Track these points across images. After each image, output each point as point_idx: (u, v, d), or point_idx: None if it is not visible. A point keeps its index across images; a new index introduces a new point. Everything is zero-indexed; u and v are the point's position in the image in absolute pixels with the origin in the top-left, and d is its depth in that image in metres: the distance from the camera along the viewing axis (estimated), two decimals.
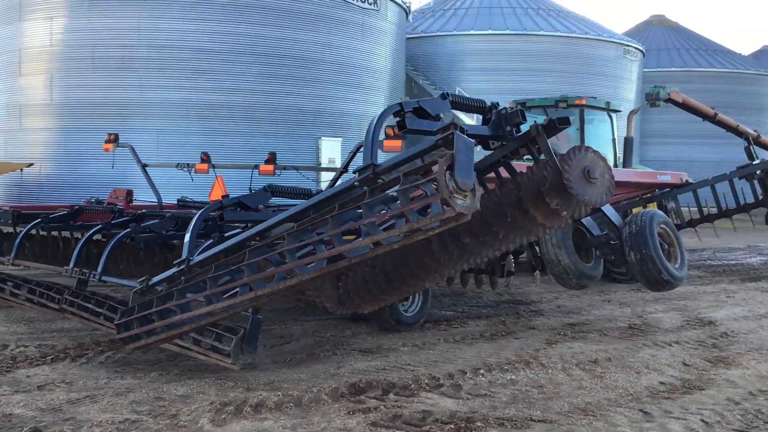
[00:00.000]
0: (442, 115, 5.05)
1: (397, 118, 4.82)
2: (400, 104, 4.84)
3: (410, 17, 31.52)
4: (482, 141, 5.52)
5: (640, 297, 9.64)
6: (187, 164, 9.57)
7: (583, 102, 11.97)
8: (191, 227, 5.71)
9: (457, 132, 4.13)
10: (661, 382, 5.58)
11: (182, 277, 5.16)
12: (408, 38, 33.36)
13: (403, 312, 7.27)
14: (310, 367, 5.77)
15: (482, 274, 8.40)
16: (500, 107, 5.42)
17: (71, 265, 6.74)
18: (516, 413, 4.73)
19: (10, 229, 8.52)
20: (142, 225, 6.94)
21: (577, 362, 6.08)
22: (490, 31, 32.79)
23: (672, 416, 4.78)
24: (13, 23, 23.83)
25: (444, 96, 5.20)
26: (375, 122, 4.78)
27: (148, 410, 4.58)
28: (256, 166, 8.79)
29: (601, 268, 7.15)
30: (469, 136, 5.57)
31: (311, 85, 23.42)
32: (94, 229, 7.04)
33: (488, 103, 5.49)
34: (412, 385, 5.27)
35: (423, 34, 33.74)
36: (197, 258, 5.30)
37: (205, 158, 9.51)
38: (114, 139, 9.59)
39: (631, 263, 6.58)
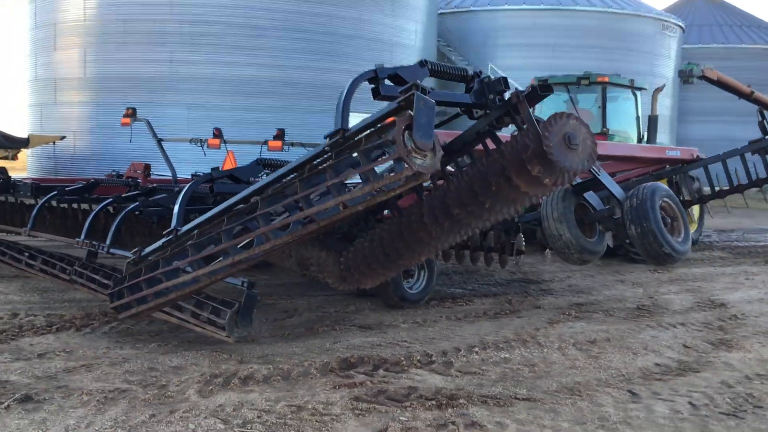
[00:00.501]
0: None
1: (372, 85, 4.86)
2: (375, 71, 4.86)
3: None
4: (467, 111, 5.53)
5: (656, 278, 9.55)
6: (200, 139, 9.69)
7: (606, 79, 11.80)
8: (180, 198, 5.84)
9: (418, 93, 4.16)
10: (657, 364, 5.55)
11: (169, 247, 5.27)
12: (441, 13, 33.08)
13: (407, 289, 7.30)
14: (307, 341, 5.84)
15: (492, 252, 8.43)
16: (483, 76, 5.45)
17: (82, 237, 6.90)
18: (502, 391, 4.75)
19: (33, 201, 8.72)
20: (150, 199, 7.06)
21: (575, 342, 6.07)
22: (524, 6, 32.31)
23: (660, 398, 4.75)
24: None
25: (422, 63, 5.20)
26: (347, 88, 4.80)
27: (139, 380, 4.70)
28: (266, 142, 8.86)
29: (605, 244, 7.06)
30: (452, 104, 5.58)
31: (342, 61, 23.37)
32: (105, 203, 7.18)
33: (471, 72, 5.49)
34: (404, 362, 5.32)
35: (456, 9, 33.41)
36: (185, 228, 5.39)
37: (217, 133, 9.60)
38: (131, 113, 9.74)
39: (632, 237, 6.54)
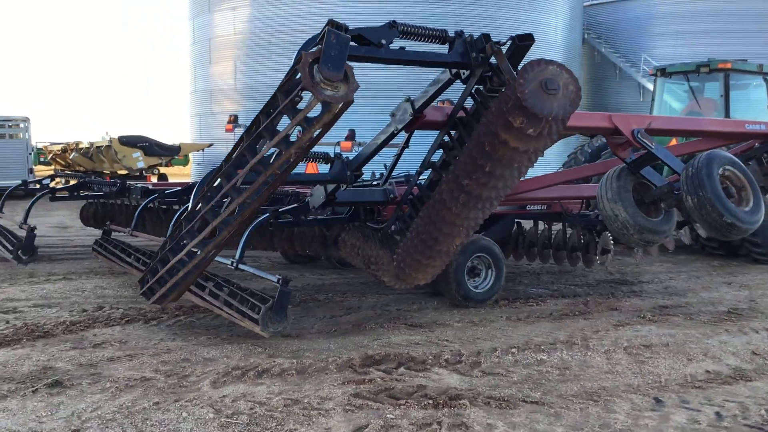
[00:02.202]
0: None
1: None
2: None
3: None
4: (457, 75, 5.52)
5: None
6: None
7: (728, 66, 10.95)
8: (195, 189, 6.22)
9: (330, 28, 4.40)
10: (707, 371, 5.15)
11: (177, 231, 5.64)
12: (591, 5, 31.97)
13: (473, 288, 7.21)
14: (348, 337, 5.94)
15: (576, 252, 8.13)
16: (465, 35, 5.35)
17: (168, 235, 7.39)
18: (514, 393, 4.62)
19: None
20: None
21: (628, 346, 5.74)
22: None
23: (686, 406, 4.43)
24: (204, 15, 25.93)
25: (392, 24, 5.15)
26: (298, 52, 4.78)
27: (168, 370, 5.00)
28: (338, 143, 9.05)
29: (673, 223, 6.55)
30: (430, 64, 5.54)
31: None
32: (185, 207, 7.63)
33: (452, 33, 5.37)
34: (430, 360, 5.29)
35: (607, 0, 32.11)
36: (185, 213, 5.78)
37: (350, 135, 9.95)
38: (234, 120, 10.30)
39: (690, 209, 6.09)
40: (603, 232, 8.06)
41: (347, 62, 4.48)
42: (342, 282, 8.46)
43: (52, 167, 27.67)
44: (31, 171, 20.59)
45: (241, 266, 6.15)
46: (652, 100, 12.10)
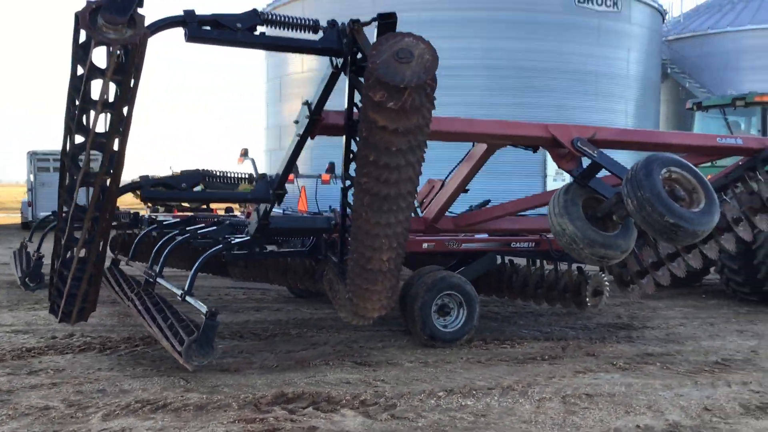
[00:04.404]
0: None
1: (185, 29, 4.85)
2: (183, 16, 4.84)
3: (668, 17, 29.20)
4: (342, 68, 5.39)
5: None
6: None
7: (766, 99, 10.28)
8: None
9: None
10: (638, 426, 4.72)
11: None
12: (675, 39, 30.95)
13: (441, 327, 6.94)
14: (283, 373, 5.80)
15: (567, 293, 7.70)
16: (339, 25, 5.28)
17: (149, 264, 7.50)
18: None
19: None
20: (199, 231, 7.49)
21: (570, 395, 5.35)
22: None
23: None
24: (278, 54, 26.63)
25: (256, 12, 5.05)
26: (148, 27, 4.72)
27: (75, 401, 4.98)
28: (320, 175, 9.01)
29: (631, 238, 6.11)
30: (302, 50, 5.71)
31: (545, 95, 22.80)
32: (169, 236, 7.74)
33: (325, 23, 5.25)
34: (346, 401, 5.08)
35: (692, 34, 31.01)
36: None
37: (329, 168, 9.94)
38: (244, 153, 10.48)
39: (632, 213, 5.68)
40: (597, 273, 7.64)
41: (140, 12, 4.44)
42: (329, 317, 8.33)
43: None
44: None
45: (188, 298, 6.15)
46: None
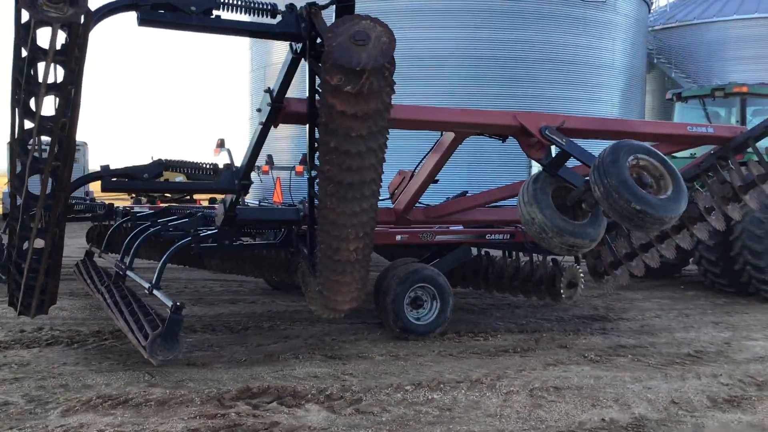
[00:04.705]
0: None
1: (137, 12, 4.79)
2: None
3: (654, 7, 29.15)
4: (302, 53, 5.36)
5: None
6: (257, 166, 10.02)
7: (744, 89, 10.24)
8: None
9: None
10: (603, 419, 4.70)
11: None
12: (662, 29, 30.90)
13: (414, 319, 6.90)
14: (251, 368, 5.75)
15: (542, 285, 7.67)
16: (297, 9, 5.23)
17: (120, 257, 7.41)
18: None
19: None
20: (171, 223, 7.41)
21: (538, 388, 5.31)
22: (756, 15, 29.09)
23: None
24: (261, 43, 26.41)
25: None
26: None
27: (36, 396, 4.90)
28: (294, 167, 8.95)
29: (600, 227, 6.12)
30: (259, 35, 5.67)
31: (530, 86, 22.71)
32: (140, 228, 7.64)
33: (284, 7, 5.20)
34: (311, 395, 5.03)
35: (677, 24, 30.95)
36: None
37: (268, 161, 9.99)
38: (221, 144, 10.39)
39: (599, 200, 5.69)
40: (572, 265, 7.61)
41: None
42: (305, 310, 8.25)
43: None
44: (87, 194, 21.30)
45: (155, 291, 6.08)
46: None
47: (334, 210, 5.08)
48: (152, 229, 7.29)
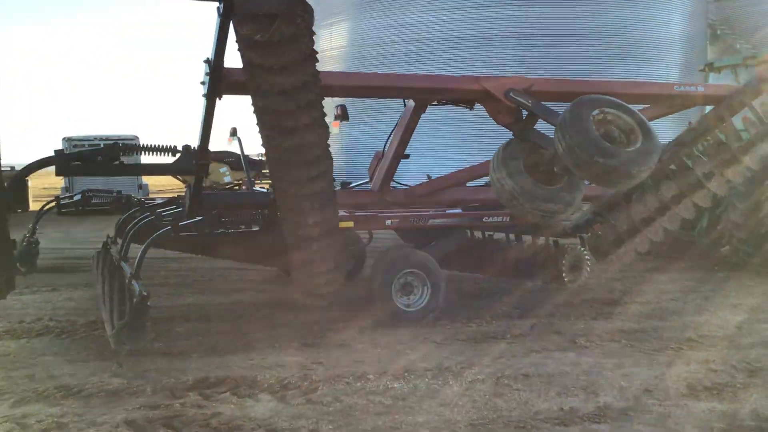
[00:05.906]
0: None
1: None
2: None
3: None
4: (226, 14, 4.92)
5: None
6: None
7: None
8: None
9: None
10: (562, 408, 4.46)
11: None
12: None
13: (403, 306, 6.73)
14: (222, 357, 5.70)
15: (544, 269, 7.39)
16: None
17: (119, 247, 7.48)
18: (307, 426, 4.21)
19: None
20: (163, 212, 7.43)
21: (507, 376, 5.10)
22: None
23: None
24: None
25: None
26: None
27: (12, 385, 5.01)
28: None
29: (576, 192, 5.84)
30: None
31: (579, 65, 22.03)
32: (138, 218, 7.68)
33: None
34: (268, 385, 4.95)
35: None
36: None
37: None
38: (233, 133, 10.42)
39: (564, 158, 5.42)
40: (576, 247, 7.30)
41: None
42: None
43: None
44: (140, 187, 21.79)
45: (133, 282, 6.08)
46: None
47: (282, 179, 4.95)
48: (146, 220, 7.33)
